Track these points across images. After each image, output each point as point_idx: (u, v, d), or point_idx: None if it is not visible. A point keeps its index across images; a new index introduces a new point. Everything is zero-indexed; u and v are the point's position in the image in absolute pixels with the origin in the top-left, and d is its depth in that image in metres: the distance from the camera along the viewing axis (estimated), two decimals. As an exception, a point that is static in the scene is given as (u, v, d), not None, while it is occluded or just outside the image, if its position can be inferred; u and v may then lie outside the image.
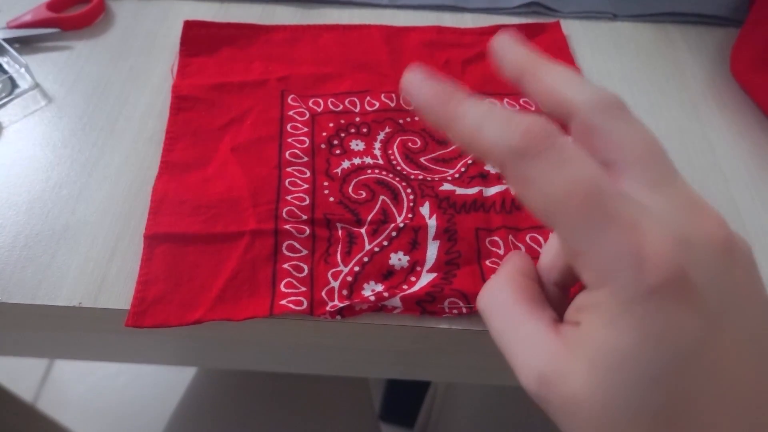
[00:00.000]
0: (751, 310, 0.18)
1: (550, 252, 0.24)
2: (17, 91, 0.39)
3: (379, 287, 0.31)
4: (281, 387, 0.62)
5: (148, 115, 0.38)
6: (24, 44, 0.42)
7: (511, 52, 0.22)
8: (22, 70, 0.39)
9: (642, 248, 0.17)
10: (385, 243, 0.33)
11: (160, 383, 1.07)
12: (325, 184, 0.35)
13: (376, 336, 0.32)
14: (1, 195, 0.34)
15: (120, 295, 0.30)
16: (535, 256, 0.32)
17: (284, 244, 0.32)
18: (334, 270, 0.31)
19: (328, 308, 0.30)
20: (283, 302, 0.30)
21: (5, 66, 0.40)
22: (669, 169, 0.20)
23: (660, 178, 0.19)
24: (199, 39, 0.43)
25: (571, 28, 0.46)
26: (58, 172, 0.35)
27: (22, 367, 1.09)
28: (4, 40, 0.40)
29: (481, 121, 0.19)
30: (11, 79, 0.39)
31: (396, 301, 0.30)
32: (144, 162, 0.36)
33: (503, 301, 0.22)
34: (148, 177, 0.35)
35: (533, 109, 0.40)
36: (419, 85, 0.21)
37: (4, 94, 0.39)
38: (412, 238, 0.33)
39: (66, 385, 1.10)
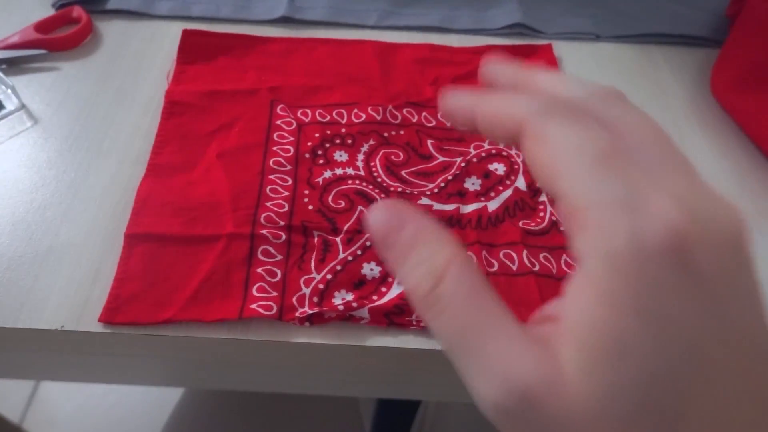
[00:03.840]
0: (751, 314, 0.16)
1: None
2: (3, 112, 0.39)
3: (350, 296, 0.31)
4: (270, 406, 0.61)
5: (135, 135, 0.39)
6: (11, 65, 0.42)
7: (504, 69, 0.23)
8: (9, 91, 0.39)
9: (644, 201, 0.15)
10: (359, 252, 0.33)
11: (148, 402, 1.05)
12: (306, 192, 0.36)
13: (355, 357, 0.32)
14: (-15, 217, 0.34)
15: (103, 318, 0.30)
16: (508, 272, 0.33)
17: (259, 249, 0.33)
18: (306, 277, 0.32)
19: (297, 314, 0.30)
20: (254, 306, 0.30)
21: (-9, 87, 0.40)
22: (681, 158, 0.18)
23: (673, 163, 0.18)
24: (196, 47, 0.43)
25: (555, 48, 0.47)
26: (43, 194, 0.35)
27: (9, 387, 1.08)
28: (-9, 61, 0.41)
29: (511, 97, 0.19)
30: (-3, 101, 0.39)
31: (364, 312, 0.31)
32: (130, 183, 0.36)
33: (467, 291, 0.17)
34: (134, 199, 0.35)
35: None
36: (452, 99, 0.21)
37: (-11, 116, 0.39)
38: None
39: (53, 404, 1.08)
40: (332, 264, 0.32)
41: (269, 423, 0.61)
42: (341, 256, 0.33)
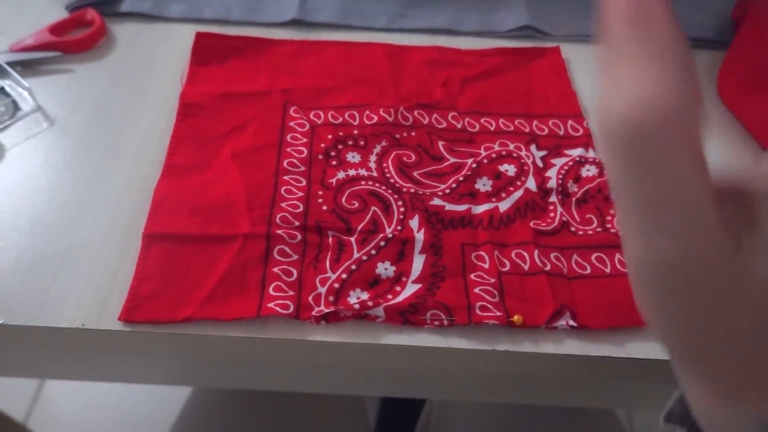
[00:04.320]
0: None
1: None
2: (20, 113, 0.39)
3: (365, 295, 0.32)
4: (276, 405, 0.62)
5: (150, 136, 0.39)
6: (26, 67, 0.42)
7: None
8: (25, 93, 0.40)
9: None
10: (373, 252, 0.33)
11: (153, 401, 1.06)
12: (320, 193, 0.36)
13: (370, 355, 0.32)
14: (4, 217, 0.34)
15: (122, 317, 0.31)
16: (520, 272, 0.33)
17: (276, 249, 0.33)
18: (322, 276, 0.32)
19: (313, 313, 0.31)
20: (271, 305, 0.31)
21: (8, 89, 0.40)
22: None
23: None
24: (209, 49, 0.44)
25: (563, 50, 0.47)
26: (61, 194, 0.36)
27: (13, 386, 1.08)
28: (7, 63, 0.41)
29: None
30: (14, 102, 0.40)
31: (379, 311, 0.31)
32: (146, 183, 0.36)
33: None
34: (150, 198, 0.35)
35: (527, 130, 0.41)
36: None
37: (6, 117, 0.39)
38: (400, 250, 0.34)
39: (58, 403, 1.09)
40: (347, 263, 0.33)
41: (274, 420, 0.61)
42: (356, 255, 0.33)
